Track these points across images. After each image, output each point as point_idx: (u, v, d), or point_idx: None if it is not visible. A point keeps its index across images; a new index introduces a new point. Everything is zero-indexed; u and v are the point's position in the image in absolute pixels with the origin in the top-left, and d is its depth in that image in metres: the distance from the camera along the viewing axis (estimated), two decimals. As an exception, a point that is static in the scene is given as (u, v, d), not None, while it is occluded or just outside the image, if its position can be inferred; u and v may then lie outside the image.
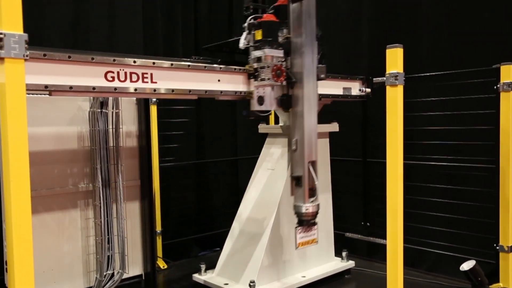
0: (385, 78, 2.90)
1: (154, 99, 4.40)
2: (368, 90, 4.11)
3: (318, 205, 3.20)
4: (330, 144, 4.14)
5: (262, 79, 3.00)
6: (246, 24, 3.10)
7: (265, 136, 4.11)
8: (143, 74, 2.75)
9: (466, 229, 4.06)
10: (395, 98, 2.85)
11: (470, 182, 4.06)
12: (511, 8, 3.92)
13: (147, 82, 2.78)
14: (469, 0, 4.16)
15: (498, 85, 3.56)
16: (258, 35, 3.02)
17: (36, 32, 4.19)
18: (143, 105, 3.87)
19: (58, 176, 3.55)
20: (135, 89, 2.72)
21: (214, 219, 5.47)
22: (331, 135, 4.13)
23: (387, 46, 2.84)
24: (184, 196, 5.27)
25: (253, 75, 3.10)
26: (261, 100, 3.06)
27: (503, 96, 3.56)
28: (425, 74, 4.25)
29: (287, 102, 3.11)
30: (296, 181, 3.16)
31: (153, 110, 4.43)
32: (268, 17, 3.06)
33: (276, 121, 4.76)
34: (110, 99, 3.63)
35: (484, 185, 3.90)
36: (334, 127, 4.11)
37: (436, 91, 4.26)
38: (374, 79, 3.87)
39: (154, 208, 4.27)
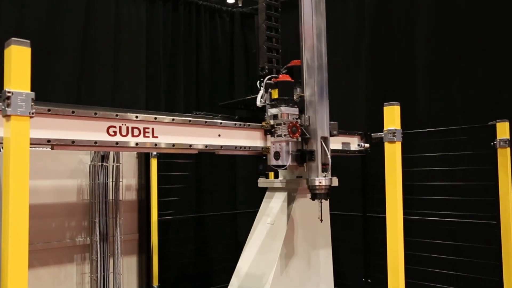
0: (383, 134, 2.94)
1: (155, 153, 4.43)
2: (367, 145, 4.15)
3: (331, 179, 3.24)
4: (330, 198, 4.12)
5: (279, 135, 3.13)
6: (263, 84, 3.28)
7: (264, 190, 4.10)
8: (144, 128, 2.78)
9: (469, 287, 3.98)
10: (393, 154, 2.88)
11: (471, 238, 4.02)
12: (505, 66, 4.04)
13: (148, 136, 2.80)
14: (463, 58, 4.29)
15: (495, 142, 3.61)
16: (275, 94, 3.18)
17: (42, 85, 4.29)
18: (143, 158, 3.90)
19: (55, 230, 3.53)
20: (136, 144, 2.74)
21: (213, 274, 5.37)
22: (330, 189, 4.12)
23: (385, 103, 2.90)
24: (182, 250, 5.20)
25: (269, 131, 3.24)
26: (277, 155, 3.20)
27: (500, 152, 3.60)
28: (423, 130, 4.31)
29: (301, 157, 3.21)
30: (310, 155, 3.19)
31: (153, 163, 4.44)
32: (284, 77, 3.23)
33: (276, 175, 4.77)
34: (111, 152, 3.66)
35: (486, 241, 3.86)
36: (333, 181, 4.11)
37: (434, 147, 4.30)
38: (372, 134, 3.94)
39: (152, 263, 4.20)
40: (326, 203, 4.09)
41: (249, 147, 3.23)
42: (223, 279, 4.49)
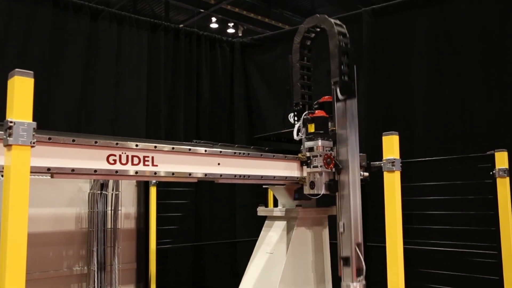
0: (382, 163, 2.96)
1: (154, 181, 4.42)
2: (366, 174, 4.16)
3: (365, 284, 3.35)
4: (329, 227, 4.10)
5: (315, 166, 3.33)
6: (301, 119, 3.51)
7: (264, 218, 4.09)
8: (144, 157, 2.79)
9: (472, 319, 3.92)
10: (392, 184, 2.90)
11: (473, 268, 3.98)
12: (502, 95, 4.08)
13: (148, 165, 2.81)
14: (460, 88, 4.34)
15: (494, 171, 3.61)
16: (311, 128, 3.40)
17: (43, 113, 4.32)
18: (143, 187, 3.90)
19: (53, 259, 3.50)
20: (136, 172, 2.74)
21: (211, 304, 5.30)
22: (330, 218, 4.11)
23: (383, 133, 2.93)
24: (181, 280, 5.14)
25: (305, 162, 3.42)
26: (312, 184, 3.38)
27: (499, 182, 3.59)
28: (422, 159, 4.32)
29: (334, 186, 3.40)
30: (344, 261, 3.34)
31: (153, 191, 4.43)
32: (319, 113, 3.45)
33: (275, 204, 4.76)
34: (111, 181, 3.66)
35: (488, 271, 3.82)
36: (333, 210, 4.10)
37: (433, 176, 4.30)
38: (371, 163, 3.95)
39: (149, 293, 4.15)
40: (326, 232, 4.08)
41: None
42: (222, 310, 4.43)
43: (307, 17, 3.73)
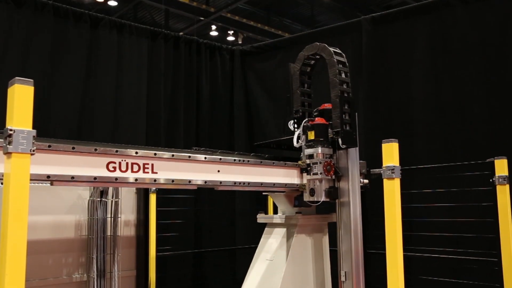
0: (382, 171, 2.97)
1: (154, 188, 4.42)
2: (366, 181, 4.16)
3: None
4: (329, 234, 4.10)
5: (315, 173, 3.34)
6: (301, 126, 3.53)
7: (263, 225, 4.08)
8: (144, 164, 2.79)
9: (472, 326, 3.91)
10: (392, 191, 2.90)
11: (473, 275, 3.97)
12: (501, 103, 4.09)
13: (147, 172, 2.81)
14: (459, 95, 4.35)
15: (494, 178, 3.61)
16: (311, 135, 3.41)
17: (43, 121, 4.33)
18: (142, 194, 3.90)
19: (52, 266, 3.49)
20: (136, 179, 2.74)
21: (211, 312, 5.28)
22: (330, 225, 4.10)
23: (383, 140, 2.94)
24: (181, 287, 5.12)
25: (305, 169, 3.43)
26: (312, 191, 3.39)
27: (499, 189, 3.59)
28: (421, 166, 4.32)
29: (334, 193, 3.42)
30: None
31: (152, 198, 4.43)
32: (319, 120, 3.47)
33: (275, 211, 4.75)
34: (110, 188, 3.67)
35: (488, 279, 3.81)
36: (333, 217, 4.10)
37: (433, 183, 4.30)
38: (371, 170, 3.95)
39: (149, 300, 4.14)
40: (326, 239, 4.08)
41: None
42: (222, 318, 4.41)
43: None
